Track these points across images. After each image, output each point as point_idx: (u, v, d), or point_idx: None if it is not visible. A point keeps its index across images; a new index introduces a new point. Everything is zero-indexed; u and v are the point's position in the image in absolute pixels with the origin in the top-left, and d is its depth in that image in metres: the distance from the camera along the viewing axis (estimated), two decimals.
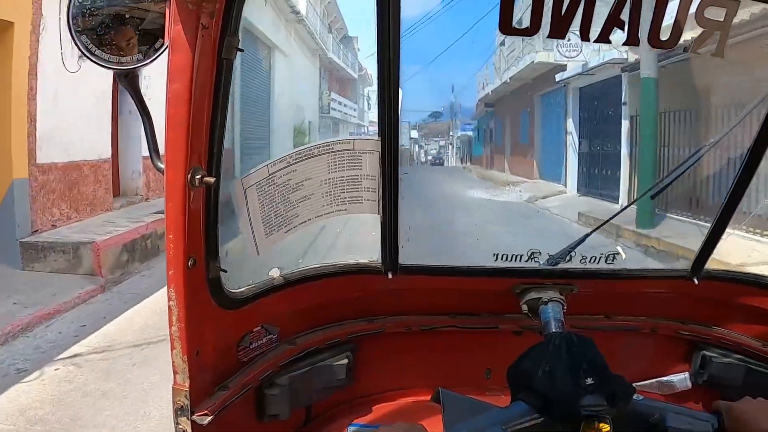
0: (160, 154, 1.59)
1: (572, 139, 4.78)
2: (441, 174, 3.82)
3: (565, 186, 4.77)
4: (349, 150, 1.86)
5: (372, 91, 1.89)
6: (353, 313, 2.17)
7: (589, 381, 1.58)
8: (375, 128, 1.86)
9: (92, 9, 1.55)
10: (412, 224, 2.01)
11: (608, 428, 1.48)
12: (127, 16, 1.56)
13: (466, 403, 1.85)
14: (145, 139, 1.65)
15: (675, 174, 2.04)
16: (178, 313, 1.56)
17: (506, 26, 1.69)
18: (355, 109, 4.70)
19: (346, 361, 2.10)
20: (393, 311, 2.20)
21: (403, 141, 2.47)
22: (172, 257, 1.53)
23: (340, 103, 4.61)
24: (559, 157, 4.61)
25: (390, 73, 1.73)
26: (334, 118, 4.39)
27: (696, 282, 2.15)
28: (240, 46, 1.54)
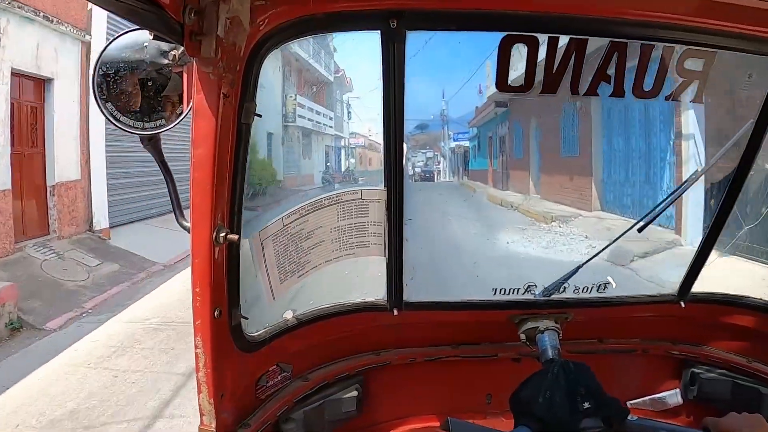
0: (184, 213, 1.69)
1: (693, 149, 2.69)
2: (434, 192, 3.30)
3: (680, 231, 2.82)
4: (357, 200, 1.97)
5: (353, 97, 1.97)
6: (361, 348, 2.27)
7: (587, 405, 1.70)
8: (357, 140, 1.97)
9: (116, 77, 1.64)
10: (416, 263, 2.12)
11: None
12: (149, 83, 1.65)
13: (475, 430, 1.96)
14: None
15: (663, 206, 2.18)
16: (204, 360, 1.66)
17: (503, 84, 1.82)
18: (331, 118, 3.88)
19: (355, 393, 2.20)
20: (398, 344, 2.31)
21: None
22: (199, 309, 1.63)
23: (311, 110, 3.80)
24: (654, 181, 2.97)
25: (395, 130, 1.84)
26: (303, 128, 3.60)
27: (683, 305, 2.29)
28: (257, 112, 1.64)
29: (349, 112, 3.58)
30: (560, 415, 1.68)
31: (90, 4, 1.53)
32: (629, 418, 1.78)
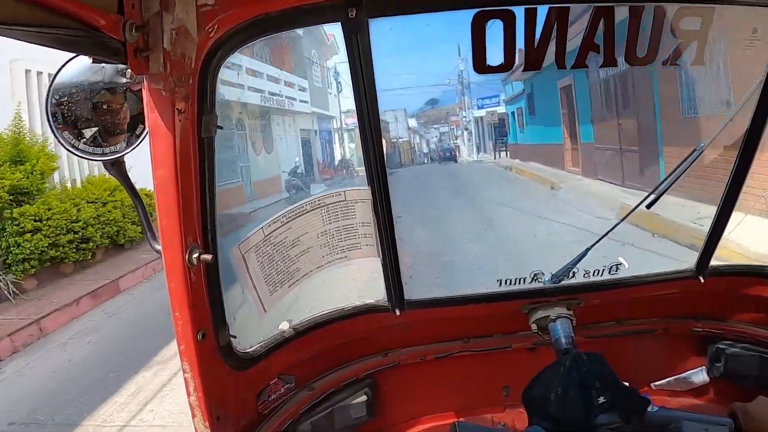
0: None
1: None
2: (465, 178, 2.56)
3: None
4: (341, 201, 1.88)
5: (340, 62, 1.74)
6: (367, 351, 2.21)
7: (602, 399, 1.61)
8: (353, 120, 1.82)
9: (70, 104, 1.57)
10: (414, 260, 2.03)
11: None
12: (105, 105, 1.58)
13: None
14: None
15: (671, 179, 2.03)
16: (194, 384, 1.61)
17: (480, 65, 1.69)
18: (304, 89, 2.68)
19: (365, 398, 2.14)
20: (406, 344, 2.23)
21: (401, 132, 2.24)
22: (181, 333, 1.57)
23: (274, 79, 2.46)
24: None
25: (371, 127, 1.74)
26: (262, 108, 2.43)
27: (702, 280, 2.15)
28: (219, 123, 1.55)
29: (338, 83, 2.34)
30: (574, 412, 1.59)
31: None
32: (650, 409, 1.69)
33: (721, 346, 2.26)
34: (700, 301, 2.26)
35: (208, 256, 1.54)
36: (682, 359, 2.34)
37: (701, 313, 2.29)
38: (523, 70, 1.74)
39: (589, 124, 2.25)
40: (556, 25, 1.66)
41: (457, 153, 2.58)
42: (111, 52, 1.27)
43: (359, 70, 1.66)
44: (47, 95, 1.57)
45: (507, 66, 1.70)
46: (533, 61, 1.71)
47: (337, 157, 2.62)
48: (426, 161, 2.49)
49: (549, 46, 1.69)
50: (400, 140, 2.31)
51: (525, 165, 2.40)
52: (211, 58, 1.49)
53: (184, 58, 1.41)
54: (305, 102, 2.58)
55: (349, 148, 2.53)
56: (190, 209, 1.52)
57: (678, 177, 2.01)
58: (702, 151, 1.99)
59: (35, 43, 1.14)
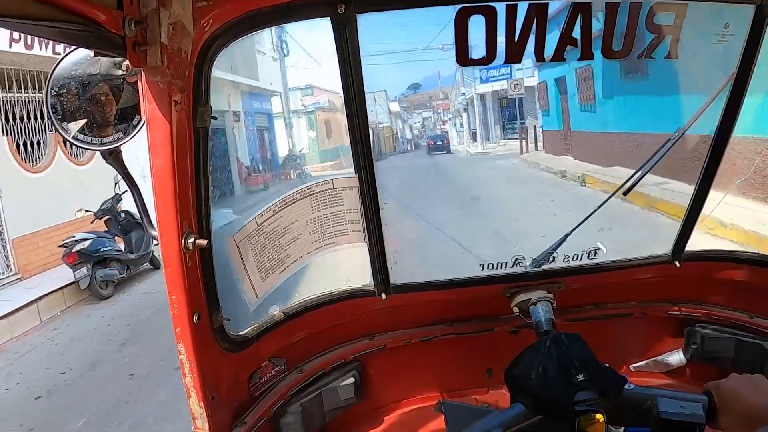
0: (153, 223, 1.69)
1: None
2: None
3: None
4: (329, 189, 1.96)
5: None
6: (355, 335, 2.28)
7: (581, 377, 1.67)
8: (319, 98, 1.73)
9: (68, 95, 1.63)
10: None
11: (603, 419, 1.58)
12: (102, 98, 1.64)
13: (467, 410, 1.96)
14: None
15: (647, 167, 2.11)
16: (189, 365, 1.68)
17: (463, 58, 1.77)
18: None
19: (352, 380, 2.22)
20: (392, 327, 2.31)
21: (382, 118, 2.12)
22: (177, 316, 1.64)
23: None
24: None
25: (359, 117, 1.81)
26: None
27: (678, 265, 2.24)
28: (213, 114, 1.62)
29: (283, 43, 1.80)
30: (554, 389, 1.66)
31: None
32: (627, 386, 1.76)
33: (697, 328, 2.35)
34: (676, 285, 2.35)
35: (203, 241, 1.61)
36: (659, 342, 2.43)
37: (678, 296, 2.38)
38: (503, 63, 1.81)
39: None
40: (535, 21, 1.74)
41: (450, 142, 2.25)
42: (111, 45, 1.33)
43: (347, 63, 1.73)
44: (46, 87, 1.63)
45: (489, 59, 1.77)
46: (513, 55, 1.78)
47: (282, 151, 2.16)
48: (410, 148, 2.36)
49: (528, 40, 1.76)
50: (381, 125, 2.25)
51: (596, 167, 1.74)
52: (206, 51, 1.55)
53: (180, 51, 1.47)
54: (245, 79, 1.85)
55: (303, 139, 2.12)
56: (186, 197, 1.59)
57: (654, 164, 2.10)
58: (677, 139, 2.08)
59: (41, 37, 1.20)
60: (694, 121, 2.09)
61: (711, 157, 2.07)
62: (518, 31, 1.74)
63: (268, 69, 1.77)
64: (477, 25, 1.73)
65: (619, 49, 1.82)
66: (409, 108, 2.32)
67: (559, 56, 1.80)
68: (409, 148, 2.23)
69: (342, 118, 1.78)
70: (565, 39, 1.78)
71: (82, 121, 1.60)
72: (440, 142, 2.22)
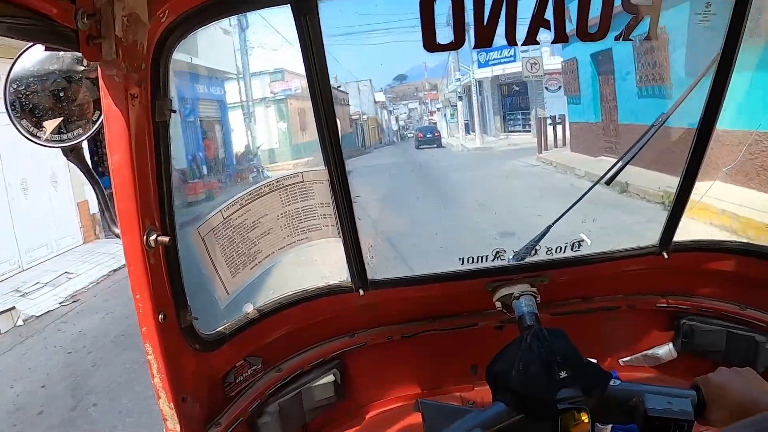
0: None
1: None
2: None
3: None
4: (299, 183, 1.92)
5: None
6: (334, 332, 2.24)
7: (563, 374, 1.62)
8: (290, 84, 1.59)
9: (27, 92, 1.62)
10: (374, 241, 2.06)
11: (587, 418, 1.52)
12: (62, 93, 1.62)
13: (446, 409, 1.91)
14: None
15: (629, 155, 2.05)
16: (157, 365, 1.65)
17: (430, 44, 1.72)
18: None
19: (332, 378, 2.18)
20: (372, 324, 2.27)
21: (366, 108, 2.02)
22: (142, 315, 1.61)
23: None
24: None
25: (325, 108, 1.77)
26: None
27: (666, 256, 2.18)
28: (172, 107, 1.59)
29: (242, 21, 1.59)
30: (536, 386, 1.61)
31: None
32: (613, 382, 1.70)
33: (688, 321, 2.28)
34: (664, 276, 2.29)
35: (166, 238, 1.58)
36: (648, 335, 2.36)
37: (666, 288, 2.31)
38: (474, 47, 1.76)
39: None
40: (504, 4, 1.68)
41: (441, 134, 2.07)
42: (64, 39, 1.30)
43: (310, 51, 1.69)
44: (5, 85, 1.61)
45: (457, 44, 1.72)
46: (483, 39, 1.73)
47: (237, 149, 1.93)
48: (396, 140, 2.27)
49: (498, 23, 1.71)
50: (365, 116, 2.20)
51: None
52: (162, 43, 1.53)
53: (136, 44, 1.45)
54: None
55: (271, 132, 1.90)
56: (147, 193, 1.56)
57: (636, 152, 2.03)
58: (660, 126, 2.01)
59: None
60: (676, 108, 2.03)
61: (696, 145, 2.01)
62: (487, 14, 1.69)
63: (214, 44, 1.58)
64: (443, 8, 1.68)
65: (595, 31, 1.76)
66: (395, 99, 2.25)
67: (531, 39, 1.75)
68: (395, 140, 2.12)
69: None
70: (537, 21, 1.73)
71: (57, 120, 1.58)
72: (430, 135, 2.03)
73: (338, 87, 1.88)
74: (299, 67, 1.58)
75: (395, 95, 2.33)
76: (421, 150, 2.07)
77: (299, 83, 2.02)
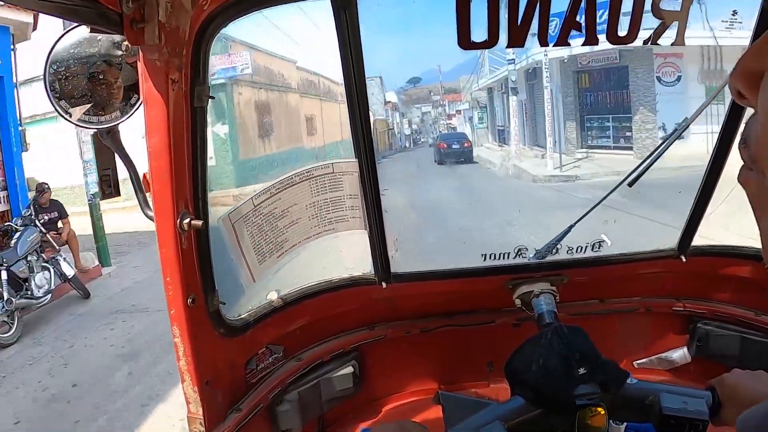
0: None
1: None
2: None
3: None
4: (329, 174, 1.94)
5: None
6: (354, 324, 2.26)
7: (582, 371, 1.64)
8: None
9: (67, 74, 1.63)
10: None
11: (604, 413, 1.54)
12: (101, 76, 1.64)
13: (466, 402, 1.93)
14: None
15: (653, 158, 2.07)
16: (183, 348, 1.67)
17: (465, 41, 1.74)
18: None
19: (351, 369, 2.19)
20: (392, 318, 2.28)
21: (375, 108, 2.10)
22: (171, 298, 1.63)
23: None
24: None
25: (359, 102, 1.79)
26: None
27: (684, 260, 2.20)
28: (210, 94, 1.61)
29: None
30: (554, 382, 1.63)
31: None
32: (629, 381, 1.72)
33: (702, 325, 2.30)
34: (682, 280, 2.31)
35: (199, 222, 1.60)
36: (663, 338, 2.38)
37: (683, 292, 2.33)
38: (506, 47, 1.78)
39: None
40: (539, 4, 1.71)
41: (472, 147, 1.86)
42: (109, 22, 1.32)
43: (348, 45, 1.71)
44: (45, 66, 1.62)
45: (491, 43, 1.75)
46: (516, 39, 1.75)
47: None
48: (408, 145, 2.35)
49: (532, 23, 1.73)
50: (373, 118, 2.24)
51: None
52: (204, 30, 1.54)
53: (178, 29, 1.46)
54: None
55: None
56: (182, 176, 1.58)
57: (660, 155, 2.06)
58: (684, 129, 2.04)
59: (38, 11, 1.20)
60: (702, 110, 2.05)
61: (718, 150, 2.03)
62: (521, 14, 1.71)
63: None
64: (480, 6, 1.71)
65: (625, 35, 1.79)
66: (408, 102, 2.22)
67: (563, 41, 1.78)
68: (408, 145, 2.18)
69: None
70: (569, 23, 1.75)
71: (87, 106, 1.60)
72: (457, 145, 1.93)
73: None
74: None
75: (408, 98, 2.35)
76: (444, 166, 1.99)
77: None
